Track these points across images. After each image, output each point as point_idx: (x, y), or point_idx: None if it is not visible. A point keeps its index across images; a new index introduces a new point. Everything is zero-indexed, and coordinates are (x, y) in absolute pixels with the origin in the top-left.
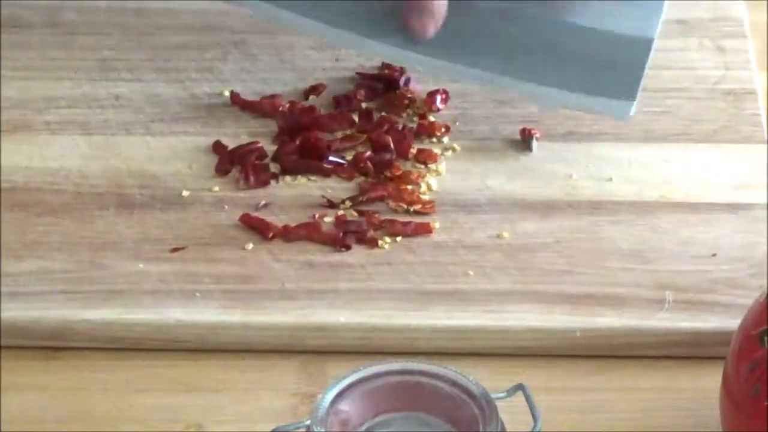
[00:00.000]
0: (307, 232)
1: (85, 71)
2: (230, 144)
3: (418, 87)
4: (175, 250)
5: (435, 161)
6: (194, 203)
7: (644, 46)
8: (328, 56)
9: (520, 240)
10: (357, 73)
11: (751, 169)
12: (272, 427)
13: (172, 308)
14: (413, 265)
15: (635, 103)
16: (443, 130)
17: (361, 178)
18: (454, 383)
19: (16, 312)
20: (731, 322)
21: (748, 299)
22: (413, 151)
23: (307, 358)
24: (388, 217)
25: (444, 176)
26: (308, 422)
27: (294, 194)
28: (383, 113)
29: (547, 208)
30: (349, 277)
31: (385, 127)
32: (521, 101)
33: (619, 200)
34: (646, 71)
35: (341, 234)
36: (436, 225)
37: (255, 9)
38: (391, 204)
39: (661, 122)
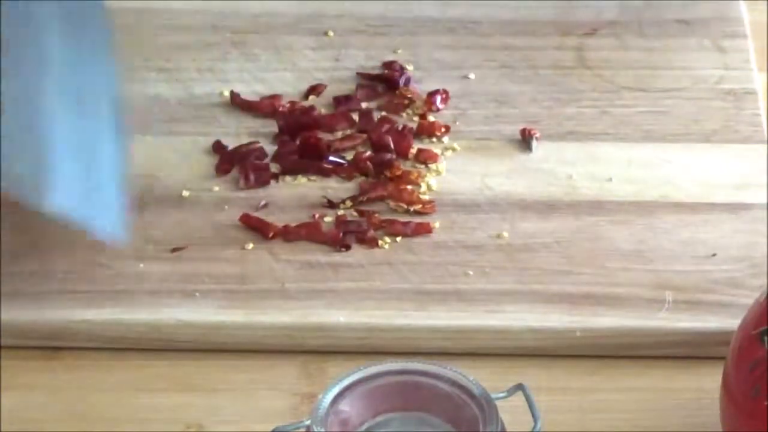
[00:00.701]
0: (307, 232)
1: None
2: (230, 144)
3: (418, 87)
4: (175, 250)
5: (435, 161)
6: (194, 203)
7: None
8: (328, 56)
9: (520, 240)
10: (357, 73)
11: (751, 169)
12: (272, 427)
13: (172, 308)
14: (413, 265)
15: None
16: (443, 130)
17: (361, 178)
18: (454, 383)
19: (16, 312)
20: (731, 322)
21: (748, 299)
22: (413, 151)
23: (307, 358)
24: (388, 217)
25: (444, 176)
26: (308, 422)
27: (294, 194)
28: (383, 113)
29: (547, 208)
30: (349, 277)
31: (385, 127)
32: (521, 101)
33: (619, 200)
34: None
35: (341, 234)
36: (436, 225)
37: None
38: (391, 204)
39: (661, 122)
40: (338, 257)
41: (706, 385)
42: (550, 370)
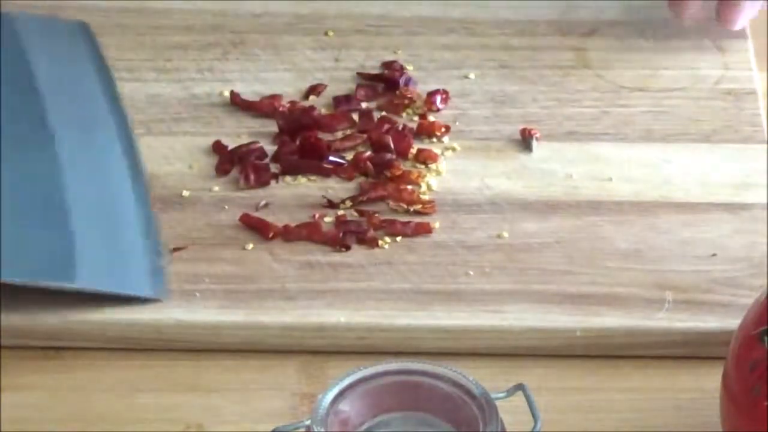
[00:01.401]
0: (307, 232)
1: None
2: (230, 144)
3: (418, 87)
4: (175, 250)
5: (435, 161)
6: (194, 203)
7: None
8: (328, 56)
9: (520, 240)
10: (357, 73)
11: (751, 169)
12: (272, 427)
13: (172, 308)
14: (413, 265)
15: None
16: (443, 130)
17: (361, 178)
18: (454, 383)
19: (16, 312)
20: (731, 322)
21: (748, 299)
22: (413, 151)
23: (307, 358)
24: (388, 217)
25: (444, 176)
26: (308, 422)
27: (294, 194)
28: (383, 113)
29: (547, 208)
30: (349, 277)
31: (385, 127)
32: (521, 101)
33: (619, 200)
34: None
35: (341, 234)
36: (436, 225)
37: None
38: (391, 204)
39: (661, 122)
40: (338, 257)
41: (706, 385)
42: (550, 370)
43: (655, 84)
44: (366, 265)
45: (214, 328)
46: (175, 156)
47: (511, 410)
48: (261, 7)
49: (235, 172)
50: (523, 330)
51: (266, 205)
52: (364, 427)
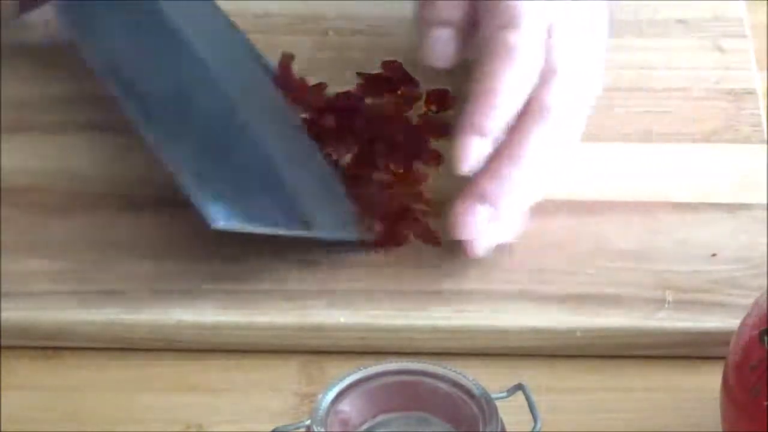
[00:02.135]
0: None
1: (86, 71)
2: None
3: (418, 87)
4: (175, 250)
5: (436, 161)
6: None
7: None
8: (328, 56)
9: (520, 240)
10: (357, 73)
11: (751, 169)
12: (272, 427)
13: (172, 308)
14: (413, 266)
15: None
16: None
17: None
18: (454, 383)
19: (16, 312)
20: (731, 322)
21: (748, 299)
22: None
23: (307, 358)
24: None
25: (444, 176)
26: (308, 422)
27: None
28: (383, 113)
29: (547, 208)
30: (349, 277)
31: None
32: None
33: (619, 200)
34: None
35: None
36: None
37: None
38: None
39: (661, 122)
40: (338, 257)
41: (706, 385)
42: (550, 370)
43: (655, 84)
44: (366, 265)
45: (214, 328)
46: None
47: (511, 410)
48: (261, 7)
49: None
50: (523, 330)
51: None
52: (364, 427)
